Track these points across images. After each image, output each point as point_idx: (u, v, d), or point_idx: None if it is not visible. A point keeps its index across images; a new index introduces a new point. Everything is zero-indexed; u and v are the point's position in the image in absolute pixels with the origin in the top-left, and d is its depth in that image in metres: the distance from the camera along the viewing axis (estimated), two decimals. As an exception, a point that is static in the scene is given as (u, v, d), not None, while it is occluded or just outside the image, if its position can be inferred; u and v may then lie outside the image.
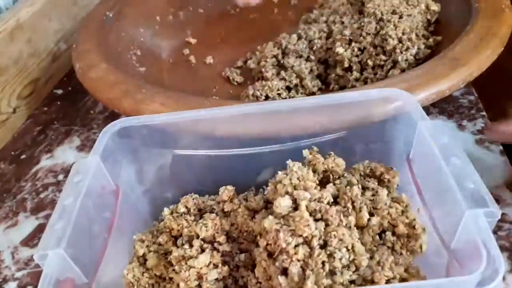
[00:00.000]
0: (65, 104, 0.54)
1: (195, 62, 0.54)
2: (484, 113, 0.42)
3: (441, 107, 0.43)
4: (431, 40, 0.42)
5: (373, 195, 0.26)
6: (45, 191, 0.43)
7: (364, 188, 0.27)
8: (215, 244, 0.27)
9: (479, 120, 0.41)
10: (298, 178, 0.25)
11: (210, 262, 0.26)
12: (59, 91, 0.57)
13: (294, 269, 0.22)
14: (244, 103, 0.32)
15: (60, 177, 0.44)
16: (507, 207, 0.34)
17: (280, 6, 0.60)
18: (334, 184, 0.27)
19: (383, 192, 0.26)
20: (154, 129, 0.31)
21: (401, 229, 0.25)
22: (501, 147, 0.38)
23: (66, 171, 0.45)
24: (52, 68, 0.57)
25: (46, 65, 0.56)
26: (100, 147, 0.29)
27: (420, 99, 0.32)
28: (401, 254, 0.25)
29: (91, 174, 0.28)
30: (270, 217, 0.23)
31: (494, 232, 0.32)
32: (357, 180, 0.27)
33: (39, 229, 0.39)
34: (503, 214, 0.34)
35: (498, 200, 0.35)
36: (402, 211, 0.26)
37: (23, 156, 0.48)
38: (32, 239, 0.39)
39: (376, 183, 0.27)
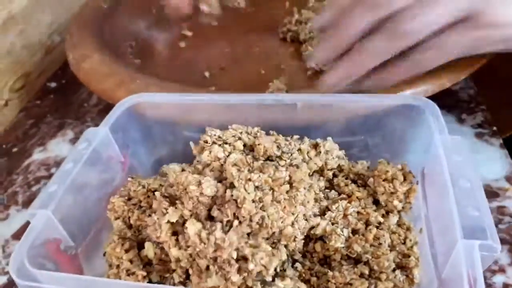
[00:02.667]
0: (59, 97, 0.53)
1: (191, 55, 0.53)
2: (483, 106, 0.41)
3: (441, 101, 0.42)
4: None
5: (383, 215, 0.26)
6: (37, 184, 0.42)
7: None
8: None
9: (479, 114, 0.41)
10: None
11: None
12: (53, 84, 0.56)
13: None
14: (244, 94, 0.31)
15: (53, 170, 0.44)
16: (507, 200, 0.34)
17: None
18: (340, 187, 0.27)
19: (393, 219, 0.26)
20: (168, 107, 0.32)
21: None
22: (501, 141, 0.38)
23: (59, 164, 0.44)
24: (46, 61, 0.56)
25: (39, 58, 0.55)
26: (111, 119, 0.30)
27: (420, 91, 0.31)
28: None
29: (97, 143, 0.29)
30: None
31: (495, 225, 0.32)
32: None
33: (30, 223, 0.39)
34: (503, 207, 0.33)
35: (498, 194, 0.34)
36: (405, 238, 0.25)
37: (14, 149, 0.47)
38: (23, 233, 0.37)
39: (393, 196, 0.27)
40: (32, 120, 0.50)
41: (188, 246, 0.22)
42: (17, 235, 0.38)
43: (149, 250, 0.25)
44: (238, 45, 0.53)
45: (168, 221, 0.23)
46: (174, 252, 0.23)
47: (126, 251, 0.25)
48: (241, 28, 0.56)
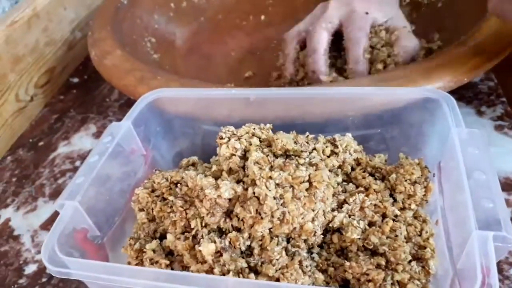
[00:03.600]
0: (81, 92, 0.55)
1: (210, 49, 0.54)
2: (503, 99, 0.41)
3: (460, 93, 0.42)
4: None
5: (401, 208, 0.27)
6: (63, 177, 0.44)
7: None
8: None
9: (499, 107, 0.40)
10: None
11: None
12: (75, 80, 0.57)
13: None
14: (262, 88, 0.32)
15: (77, 163, 0.45)
16: (525, 193, 0.34)
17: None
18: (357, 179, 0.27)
19: (410, 212, 0.26)
20: (188, 102, 0.33)
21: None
22: (520, 133, 0.38)
23: (83, 157, 0.45)
24: (68, 57, 0.57)
25: (62, 54, 0.56)
26: (133, 114, 0.32)
27: (438, 87, 0.31)
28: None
29: (120, 137, 0.30)
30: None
31: None
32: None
33: (57, 214, 0.40)
34: (521, 201, 0.33)
35: (516, 187, 0.34)
36: (421, 230, 0.26)
37: (40, 143, 0.48)
38: (51, 223, 0.39)
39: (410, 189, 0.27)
40: (57, 115, 0.52)
41: (205, 261, 0.23)
42: (45, 226, 0.39)
43: (171, 242, 0.26)
44: (257, 38, 0.54)
45: (186, 237, 0.24)
46: (192, 267, 0.24)
47: (148, 242, 0.26)
48: (259, 20, 0.57)
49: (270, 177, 0.23)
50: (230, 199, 0.24)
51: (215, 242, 0.23)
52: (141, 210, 0.29)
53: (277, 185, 0.23)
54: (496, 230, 0.20)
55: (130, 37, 0.47)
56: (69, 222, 0.26)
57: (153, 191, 0.29)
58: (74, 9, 0.59)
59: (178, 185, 0.27)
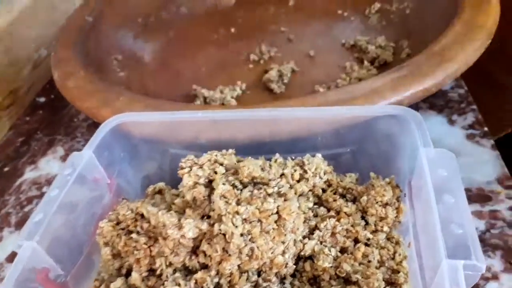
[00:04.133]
0: (48, 113, 0.53)
1: (179, 64, 0.52)
2: (474, 106, 0.41)
3: (431, 102, 0.42)
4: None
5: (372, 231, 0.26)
6: (30, 204, 0.42)
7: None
8: None
9: (470, 115, 0.40)
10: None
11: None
12: (42, 99, 0.55)
13: None
14: (228, 108, 0.31)
15: (45, 189, 0.43)
16: (500, 203, 0.33)
17: (274, 4, 0.58)
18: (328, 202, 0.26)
19: (382, 235, 0.26)
20: (153, 125, 0.31)
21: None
22: (492, 142, 0.38)
23: (50, 182, 0.44)
24: (34, 76, 0.56)
25: (27, 73, 0.54)
26: (95, 141, 0.30)
27: (406, 97, 0.31)
28: None
29: (82, 167, 0.28)
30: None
31: (487, 230, 0.32)
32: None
33: (24, 245, 0.38)
34: (496, 211, 0.33)
35: (490, 197, 0.34)
36: (394, 253, 0.25)
37: (6, 169, 0.46)
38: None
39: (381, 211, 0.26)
40: (22, 137, 0.50)
41: None
42: (11, 258, 0.37)
43: (136, 280, 0.24)
44: (226, 52, 0.53)
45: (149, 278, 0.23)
46: None
47: (113, 280, 0.25)
48: (229, 33, 0.56)
49: (237, 212, 0.22)
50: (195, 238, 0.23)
51: (179, 285, 0.22)
52: (106, 244, 0.27)
53: (245, 220, 0.22)
54: (466, 258, 0.20)
55: (96, 56, 0.46)
56: (28, 263, 0.25)
57: (118, 223, 0.28)
58: (39, 27, 0.57)
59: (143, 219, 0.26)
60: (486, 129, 0.39)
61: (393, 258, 0.25)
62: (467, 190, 0.35)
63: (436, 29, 0.37)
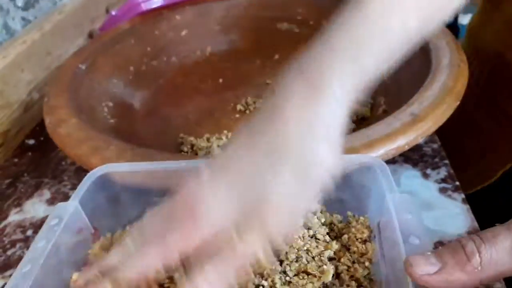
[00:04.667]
0: (36, 155, 0.54)
1: (169, 111, 0.54)
2: (447, 161, 0.43)
3: (406, 155, 0.44)
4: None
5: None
6: (13, 247, 0.42)
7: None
8: None
9: (443, 169, 0.43)
10: None
11: None
12: (31, 141, 0.56)
13: None
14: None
15: (29, 232, 0.44)
16: (470, 256, 0.35)
17: (260, 57, 0.61)
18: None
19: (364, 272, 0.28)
20: (135, 176, 0.33)
21: None
22: (463, 196, 0.40)
23: (36, 226, 0.44)
24: (24, 119, 0.57)
25: (17, 116, 0.56)
26: (80, 192, 0.32)
27: (380, 154, 0.33)
28: None
29: (68, 217, 0.30)
30: None
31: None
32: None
33: (5, 289, 0.38)
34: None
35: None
36: None
37: (-10, 211, 0.47)
38: (-4, 300, 0.38)
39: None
40: (9, 179, 0.51)
41: None
42: (-10, 303, 0.37)
43: None
44: (214, 100, 0.55)
45: None
46: None
47: None
48: (217, 83, 0.58)
49: None
50: None
51: None
52: None
53: None
54: None
55: (87, 103, 0.48)
56: None
57: None
58: (32, 71, 0.59)
59: None
60: (457, 183, 0.41)
61: None
62: (439, 243, 0.36)
63: (410, 89, 0.40)
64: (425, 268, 0.22)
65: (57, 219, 0.29)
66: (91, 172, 0.32)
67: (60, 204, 0.30)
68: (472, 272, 0.21)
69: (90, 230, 0.32)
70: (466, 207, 0.39)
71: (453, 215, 0.38)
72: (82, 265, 0.31)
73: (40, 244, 0.28)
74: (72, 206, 0.30)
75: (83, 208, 0.31)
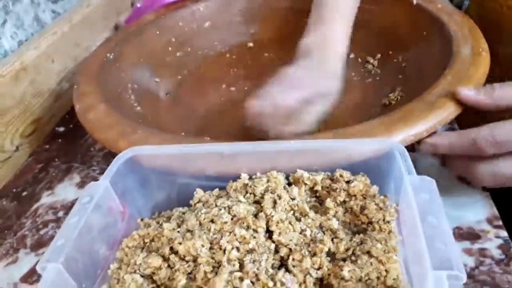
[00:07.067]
0: (66, 142, 0.56)
1: (192, 100, 0.56)
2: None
3: (426, 143, 0.45)
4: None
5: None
6: (45, 227, 0.45)
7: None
8: None
9: (462, 157, 0.43)
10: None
11: None
12: (61, 129, 0.59)
13: None
14: (234, 143, 0.34)
15: (60, 213, 0.46)
16: (488, 242, 0.35)
17: (282, 48, 0.62)
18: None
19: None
20: (164, 158, 0.35)
21: None
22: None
23: (66, 207, 0.46)
24: (55, 107, 0.59)
25: (48, 104, 0.58)
26: (110, 172, 0.33)
27: (398, 140, 0.33)
28: None
29: (99, 196, 0.31)
30: None
31: (476, 267, 0.34)
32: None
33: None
34: (484, 249, 0.35)
35: (479, 236, 0.36)
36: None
37: (24, 193, 0.49)
38: (31, 276, 0.40)
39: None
40: (41, 164, 0.53)
41: None
42: (26, 278, 0.40)
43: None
44: (236, 90, 0.57)
45: None
46: None
47: None
48: (239, 73, 0.60)
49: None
50: None
51: None
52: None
53: None
54: (449, 269, 0.23)
55: (115, 91, 0.49)
56: (52, 284, 0.26)
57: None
58: (62, 62, 0.61)
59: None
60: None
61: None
62: (458, 228, 0.37)
63: (430, 77, 0.40)
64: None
65: (88, 197, 0.31)
66: (120, 154, 0.34)
67: (92, 183, 0.32)
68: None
69: (119, 208, 0.33)
70: (486, 193, 0.39)
71: (472, 201, 0.39)
72: (112, 243, 0.33)
73: (73, 220, 0.29)
74: (103, 185, 0.32)
75: (113, 188, 0.32)
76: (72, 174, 0.51)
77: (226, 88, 0.57)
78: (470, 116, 0.37)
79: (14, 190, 0.50)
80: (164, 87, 0.56)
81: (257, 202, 0.32)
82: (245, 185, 0.33)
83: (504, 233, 0.36)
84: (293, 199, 0.32)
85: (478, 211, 0.38)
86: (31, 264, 0.41)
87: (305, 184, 0.33)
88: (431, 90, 0.37)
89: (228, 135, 0.49)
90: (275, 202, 0.31)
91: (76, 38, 0.64)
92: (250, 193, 0.32)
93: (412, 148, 0.43)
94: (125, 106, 0.48)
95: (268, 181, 0.33)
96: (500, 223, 0.37)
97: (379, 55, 0.55)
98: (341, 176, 0.32)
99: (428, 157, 0.43)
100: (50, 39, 0.59)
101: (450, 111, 0.35)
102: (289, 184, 0.34)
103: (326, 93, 0.42)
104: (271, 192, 0.32)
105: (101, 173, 0.50)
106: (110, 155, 0.52)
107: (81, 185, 0.49)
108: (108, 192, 0.32)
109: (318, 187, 0.33)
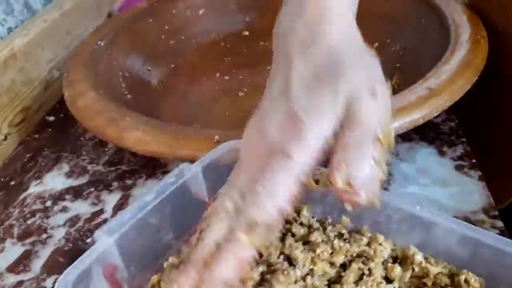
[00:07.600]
0: (56, 131, 0.55)
1: (185, 89, 0.55)
2: (464, 139, 0.43)
3: (423, 133, 0.44)
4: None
5: None
6: (33, 217, 0.44)
7: None
8: None
9: (459, 147, 0.42)
10: None
11: None
12: (51, 118, 0.58)
13: None
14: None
15: (48, 203, 0.45)
16: (485, 232, 0.35)
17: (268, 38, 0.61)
18: None
19: None
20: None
21: None
22: (479, 173, 0.39)
23: (54, 197, 0.45)
24: (45, 96, 0.58)
25: (38, 93, 0.57)
26: (207, 159, 0.30)
27: (394, 127, 0.32)
28: None
29: (185, 179, 0.29)
30: None
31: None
32: None
33: (25, 256, 0.40)
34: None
35: (475, 225, 0.35)
36: None
37: (12, 183, 0.48)
38: (17, 266, 0.39)
39: None
40: (30, 153, 0.52)
41: None
42: (12, 268, 0.39)
43: None
44: (231, 79, 0.55)
45: None
46: None
47: None
48: (234, 62, 0.59)
49: None
50: None
51: None
52: None
53: None
54: None
55: (105, 78, 0.48)
56: (99, 256, 0.25)
57: None
58: (52, 49, 0.60)
59: None
60: (474, 161, 0.40)
61: None
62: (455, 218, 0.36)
63: (427, 65, 0.40)
64: None
65: (175, 177, 0.28)
66: (223, 144, 0.30)
67: (184, 164, 0.29)
68: None
69: (204, 197, 0.30)
70: (482, 184, 0.38)
71: (469, 192, 0.38)
72: (182, 233, 0.30)
73: (149, 197, 0.27)
74: (195, 169, 0.29)
75: (205, 175, 0.30)
76: (61, 163, 0.50)
77: (220, 77, 0.56)
78: (468, 103, 0.37)
79: (2, 179, 0.49)
80: (156, 76, 0.55)
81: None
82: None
83: (500, 224, 0.35)
84: (390, 281, 0.25)
85: (474, 201, 0.37)
86: (17, 253, 0.40)
87: (413, 269, 0.25)
88: (428, 77, 0.36)
89: (221, 123, 0.48)
90: (361, 277, 0.25)
91: (67, 26, 0.63)
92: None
93: (407, 136, 0.42)
94: (115, 94, 0.47)
95: (368, 244, 0.26)
96: (496, 213, 0.36)
97: (376, 44, 0.54)
98: (466, 282, 0.24)
99: (424, 146, 0.42)
100: (40, 26, 0.58)
101: (448, 97, 0.34)
102: (394, 259, 0.26)
103: None
104: (363, 262, 0.25)
105: (91, 162, 0.49)
106: (99, 145, 0.51)
107: (70, 174, 0.48)
108: (197, 177, 0.29)
109: (429, 282, 0.25)
